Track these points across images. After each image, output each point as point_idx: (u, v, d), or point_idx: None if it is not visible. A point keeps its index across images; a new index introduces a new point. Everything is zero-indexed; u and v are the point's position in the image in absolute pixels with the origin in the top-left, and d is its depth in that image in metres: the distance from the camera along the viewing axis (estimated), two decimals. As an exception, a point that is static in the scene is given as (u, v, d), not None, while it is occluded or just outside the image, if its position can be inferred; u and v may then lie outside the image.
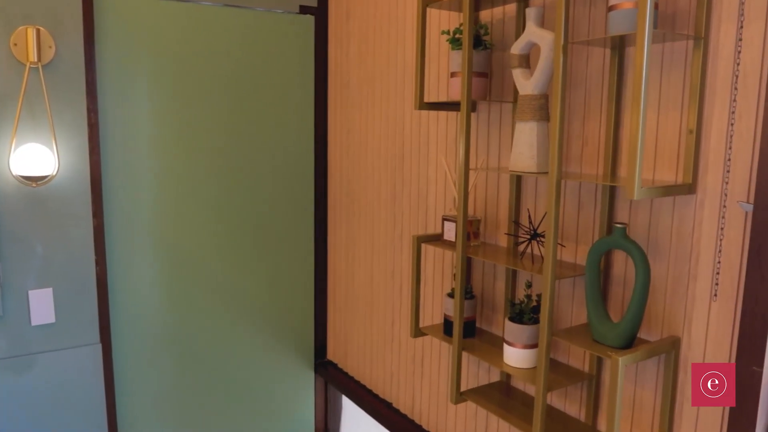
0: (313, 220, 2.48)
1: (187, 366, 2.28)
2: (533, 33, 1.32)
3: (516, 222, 1.54)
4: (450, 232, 1.60)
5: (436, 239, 1.67)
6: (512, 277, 1.59)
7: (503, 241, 1.62)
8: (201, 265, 2.26)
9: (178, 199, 2.17)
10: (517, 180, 1.55)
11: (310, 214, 2.47)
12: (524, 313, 1.42)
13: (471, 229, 1.57)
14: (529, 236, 1.42)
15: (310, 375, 2.61)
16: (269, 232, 2.39)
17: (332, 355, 2.58)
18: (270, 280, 2.43)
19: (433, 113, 1.85)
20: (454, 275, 1.66)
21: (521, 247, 1.53)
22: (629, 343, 1.21)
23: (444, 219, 1.62)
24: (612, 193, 1.32)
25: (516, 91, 1.52)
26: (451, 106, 1.63)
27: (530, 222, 1.46)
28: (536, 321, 1.41)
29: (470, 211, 1.62)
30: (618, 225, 1.20)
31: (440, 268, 1.86)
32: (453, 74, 1.54)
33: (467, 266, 1.71)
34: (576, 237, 1.41)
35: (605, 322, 1.24)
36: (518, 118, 1.36)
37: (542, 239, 1.44)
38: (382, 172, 2.11)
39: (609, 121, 1.30)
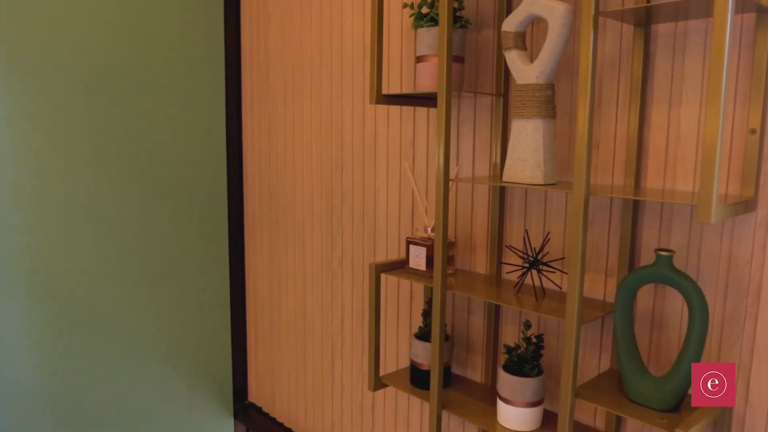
0: (227, 239, 2.06)
1: (74, 430, 1.78)
2: (537, 4, 1.01)
3: (508, 246, 1.24)
4: (418, 258, 1.27)
5: (398, 267, 1.33)
6: (495, 311, 1.29)
7: (481, 267, 1.31)
8: (86, 300, 1.77)
9: (52, 219, 1.67)
10: (500, 192, 1.25)
11: (223, 231, 2.04)
12: (525, 361, 1.12)
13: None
14: (527, 264, 1.12)
15: (229, 421, 2.18)
16: (173, 254, 1.94)
17: (255, 397, 2.17)
18: (176, 312, 1.97)
19: (382, 110, 1.51)
20: (425, 311, 1.33)
21: (511, 276, 1.23)
22: (678, 404, 0.94)
23: (409, 242, 1.28)
24: (636, 208, 1.05)
25: (500, 81, 1.22)
26: (415, 99, 1.30)
27: (527, 246, 1.16)
28: (540, 371, 1.11)
29: (431, 229, 1.30)
30: (663, 252, 0.92)
31: (396, 301, 1.53)
32: (421, 59, 1.21)
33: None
34: (585, 264, 1.13)
35: (645, 378, 0.96)
36: (518, 115, 1.05)
37: (545, 268, 1.14)
38: (314, 181, 1.74)
39: (630, 119, 1.03)
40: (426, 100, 1.33)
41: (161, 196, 1.88)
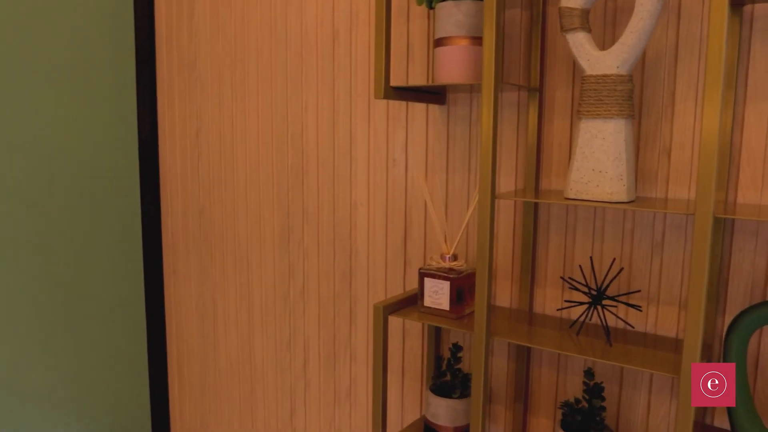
0: (142, 267, 1.65)
1: None
2: (618, -28, 0.79)
3: (566, 279, 1.02)
4: (438, 295, 1.01)
5: (405, 305, 1.06)
6: (527, 354, 1.06)
7: (503, 299, 1.08)
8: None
9: None
10: (534, 208, 1.03)
11: (137, 256, 1.64)
12: (591, 419, 0.90)
13: (466, 287, 1.01)
14: (589, 299, 0.90)
15: (144, 492, 1.77)
16: (73, 289, 1.50)
17: (179, 459, 1.77)
18: (84, 362, 1.54)
19: (360, 108, 1.23)
20: (441, 358, 1.08)
21: (549, 310, 1.01)
22: (811, 470, 0.76)
23: (424, 274, 1.02)
24: (724, 228, 0.87)
25: (534, 72, 0.99)
26: (418, 93, 1.03)
27: (591, 276, 0.94)
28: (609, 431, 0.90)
29: (451, 257, 1.05)
30: (797, 287, 0.74)
31: (399, 341, 1.25)
32: (443, 41, 0.95)
33: (437, 337, 1.14)
34: (653, 294, 0.93)
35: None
36: (590, 114, 0.83)
37: (610, 305, 0.93)
38: (264, 195, 1.41)
39: (723, 118, 0.84)
40: (430, 94, 1.07)
41: (56, 219, 1.45)
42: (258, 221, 1.43)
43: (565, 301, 0.98)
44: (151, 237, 1.64)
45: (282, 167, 1.37)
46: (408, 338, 1.22)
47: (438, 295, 1.01)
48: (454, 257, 1.02)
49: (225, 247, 1.52)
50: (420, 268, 1.03)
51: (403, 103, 1.17)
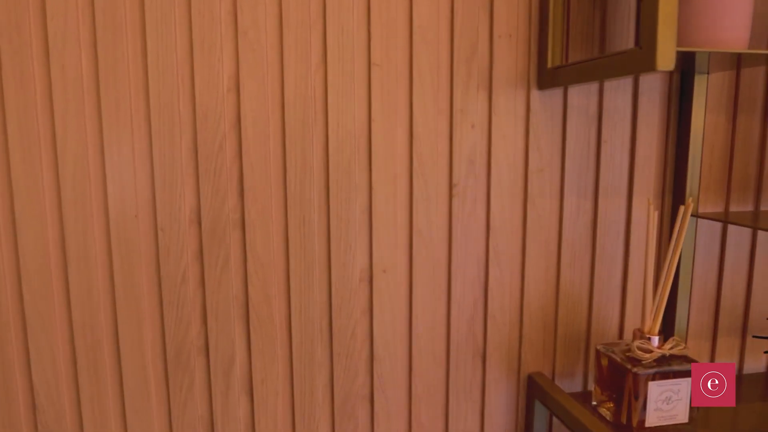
0: None
1: None
2: None
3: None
4: (672, 404, 0.61)
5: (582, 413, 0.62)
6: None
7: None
8: None
9: None
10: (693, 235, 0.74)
11: None
12: None
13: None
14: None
15: None
16: None
17: None
18: None
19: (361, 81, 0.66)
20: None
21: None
22: None
23: (642, 377, 0.60)
24: None
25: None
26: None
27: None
28: None
29: (659, 338, 0.67)
30: None
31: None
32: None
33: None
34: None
35: None
36: None
37: None
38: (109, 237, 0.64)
39: None
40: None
41: None
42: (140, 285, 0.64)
43: None
44: None
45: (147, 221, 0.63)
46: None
47: (671, 403, 0.61)
48: (661, 337, 0.63)
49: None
50: (634, 371, 0.60)
51: (467, 87, 0.67)
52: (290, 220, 0.65)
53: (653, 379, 0.60)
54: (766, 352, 0.78)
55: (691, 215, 0.71)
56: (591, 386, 0.77)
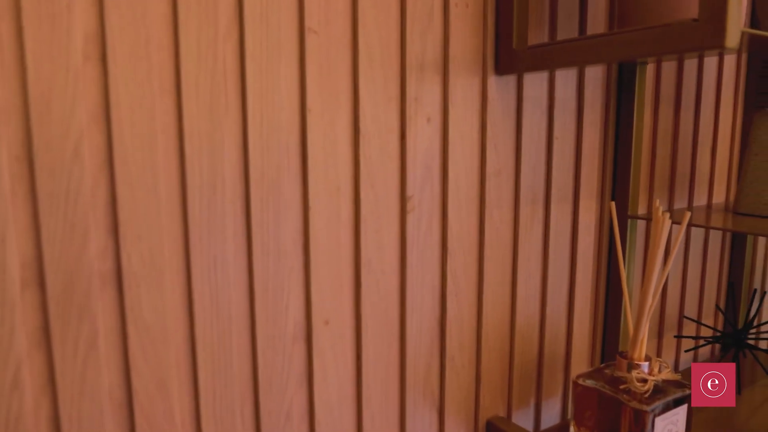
0: None
1: None
2: None
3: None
4: (673, 437, 0.53)
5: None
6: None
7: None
8: None
9: None
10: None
11: None
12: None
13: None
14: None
15: None
16: None
17: None
18: None
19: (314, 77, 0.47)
20: None
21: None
22: None
23: (647, 413, 0.51)
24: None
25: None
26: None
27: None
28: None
29: (647, 365, 0.58)
30: None
31: None
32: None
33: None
34: None
35: None
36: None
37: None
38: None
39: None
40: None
41: None
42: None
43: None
44: None
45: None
46: None
47: (672, 438, 0.54)
48: (648, 363, 0.56)
49: None
50: (638, 408, 0.51)
51: (418, 75, 0.52)
52: (193, 263, 0.42)
53: (659, 414, 0.52)
54: (687, 351, 0.77)
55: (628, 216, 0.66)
56: (548, 420, 0.67)
